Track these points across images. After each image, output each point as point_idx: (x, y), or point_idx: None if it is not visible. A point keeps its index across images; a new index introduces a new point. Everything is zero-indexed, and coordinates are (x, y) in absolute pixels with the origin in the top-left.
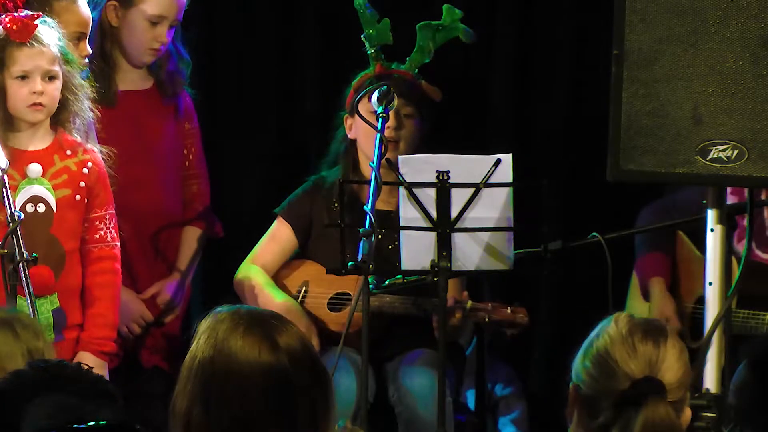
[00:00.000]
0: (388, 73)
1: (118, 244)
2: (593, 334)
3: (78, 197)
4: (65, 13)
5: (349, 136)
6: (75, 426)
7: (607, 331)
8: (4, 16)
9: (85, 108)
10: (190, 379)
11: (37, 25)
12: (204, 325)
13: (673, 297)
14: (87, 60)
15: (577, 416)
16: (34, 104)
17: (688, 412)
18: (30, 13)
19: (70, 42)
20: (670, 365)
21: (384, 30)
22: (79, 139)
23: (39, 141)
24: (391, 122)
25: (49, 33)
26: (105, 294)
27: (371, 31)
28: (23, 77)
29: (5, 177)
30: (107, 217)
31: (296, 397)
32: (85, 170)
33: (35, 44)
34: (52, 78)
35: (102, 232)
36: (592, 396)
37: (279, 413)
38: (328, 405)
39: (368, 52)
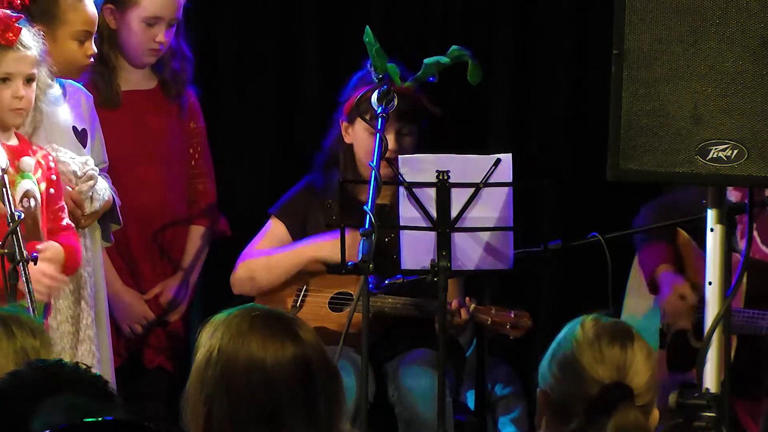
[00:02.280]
0: (392, 89)
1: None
2: (559, 337)
3: (52, 190)
4: (71, 12)
5: (345, 140)
6: (87, 420)
7: (574, 335)
8: None
9: (47, 102)
10: (209, 369)
11: (20, 28)
12: (213, 326)
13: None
14: (92, 59)
15: (547, 421)
16: (16, 109)
17: (656, 414)
18: (10, 13)
19: (74, 41)
20: (638, 369)
21: (393, 74)
22: (31, 137)
23: (12, 139)
24: (392, 146)
25: (30, 36)
26: (63, 241)
27: (377, 63)
28: (4, 80)
29: (5, 177)
30: (64, 207)
31: (316, 387)
32: (52, 164)
33: (20, 48)
34: (30, 81)
35: (65, 221)
36: (561, 401)
37: (300, 403)
38: (341, 400)
39: (373, 78)
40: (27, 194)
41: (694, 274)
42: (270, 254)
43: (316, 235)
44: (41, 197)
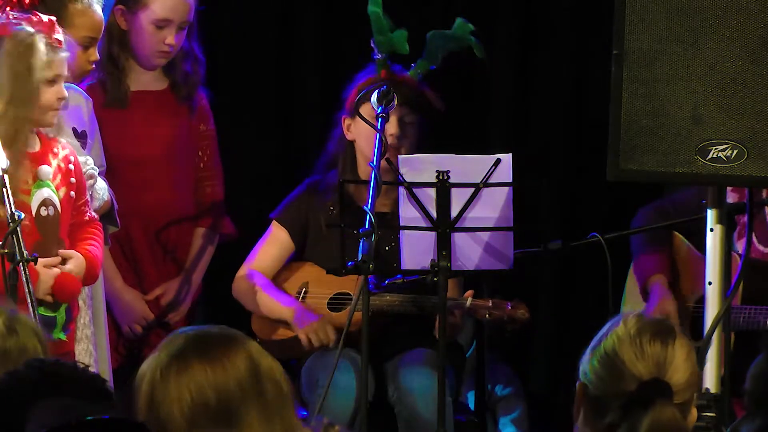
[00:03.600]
0: (393, 79)
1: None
2: (601, 333)
3: (72, 193)
4: (80, 17)
5: (347, 137)
6: (84, 419)
7: (616, 331)
8: (29, 17)
9: (76, 102)
10: (158, 393)
11: (59, 30)
12: (149, 358)
13: (674, 296)
14: (93, 66)
15: (584, 415)
16: (57, 109)
17: (694, 413)
18: (47, 16)
19: (80, 47)
20: (678, 366)
21: (400, 41)
22: (51, 135)
23: (35, 142)
24: (394, 130)
25: (63, 37)
26: (97, 245)
27: (381, 38)
28: (52, 81)
29: (5, 177)
30: (87, 201)
31: (263, 379)
32: (71, 166)
33: (64, 50)
34: (65, 82)
35: (88, 214)
36: (599, 396)
37: (253, 397)
38: (285, 382)
39: (376, 58)
40: (45, 202)
41: (690, 277)
42: (266, 289)
43: (305, 314)
44: (62, 203)
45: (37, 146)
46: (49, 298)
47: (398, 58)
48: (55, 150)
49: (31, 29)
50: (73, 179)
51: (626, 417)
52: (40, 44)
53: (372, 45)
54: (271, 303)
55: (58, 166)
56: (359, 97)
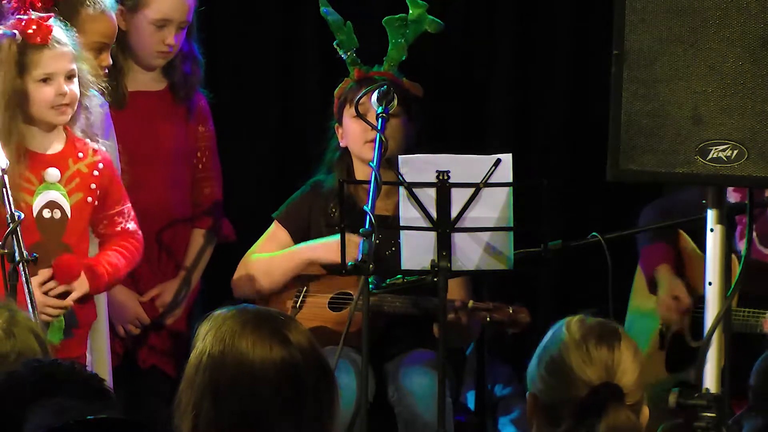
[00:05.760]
0: (368, 76)
1: (140, 233)
2: (545, 340)
3: (89, 199)
4: (92, 22)
5: (341, 144)
6: (81, 419)
7: (560, 337)
8: (18, 19)
9: (95, 104)
10: (198, 374)
11: (52, 27)
12: (208, 325)
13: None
14: (106, 70)
15: (537, 425)
16: (60, 105)
17: (646, 411)
18: (40, 14)
19: (90, 51)
20: (627, 368)
21: (349, 33)
22: (86, 138)
23: (57, 143)
24: (375, 123)
25: (63, 32)
26: (120, 255)
27: (342, 37)
28: (45, 79)
29: (5, 177)
30: (125, 211)
31: (305, 392)
32: (96, 172)
33: (56, 45)
34: (71, 77)
35: (122, 225)
36: (550, 404)
37: (288, 408)
38: (333, 402)
39: (344, 59)
40: (50, 205)
41: (693, 276)
42: (269, 258)
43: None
44: (73, 208)
45: (57, 148)
46: (44, 317)
47: (370, 57)
48: (80, 154)
49: (9, 33)
50: (93, 185)
51: (581, 423)
52: (13, 47)
53: (335, 47)
54: (284, 258)
55: (78, 170)
56: (340, 102)
